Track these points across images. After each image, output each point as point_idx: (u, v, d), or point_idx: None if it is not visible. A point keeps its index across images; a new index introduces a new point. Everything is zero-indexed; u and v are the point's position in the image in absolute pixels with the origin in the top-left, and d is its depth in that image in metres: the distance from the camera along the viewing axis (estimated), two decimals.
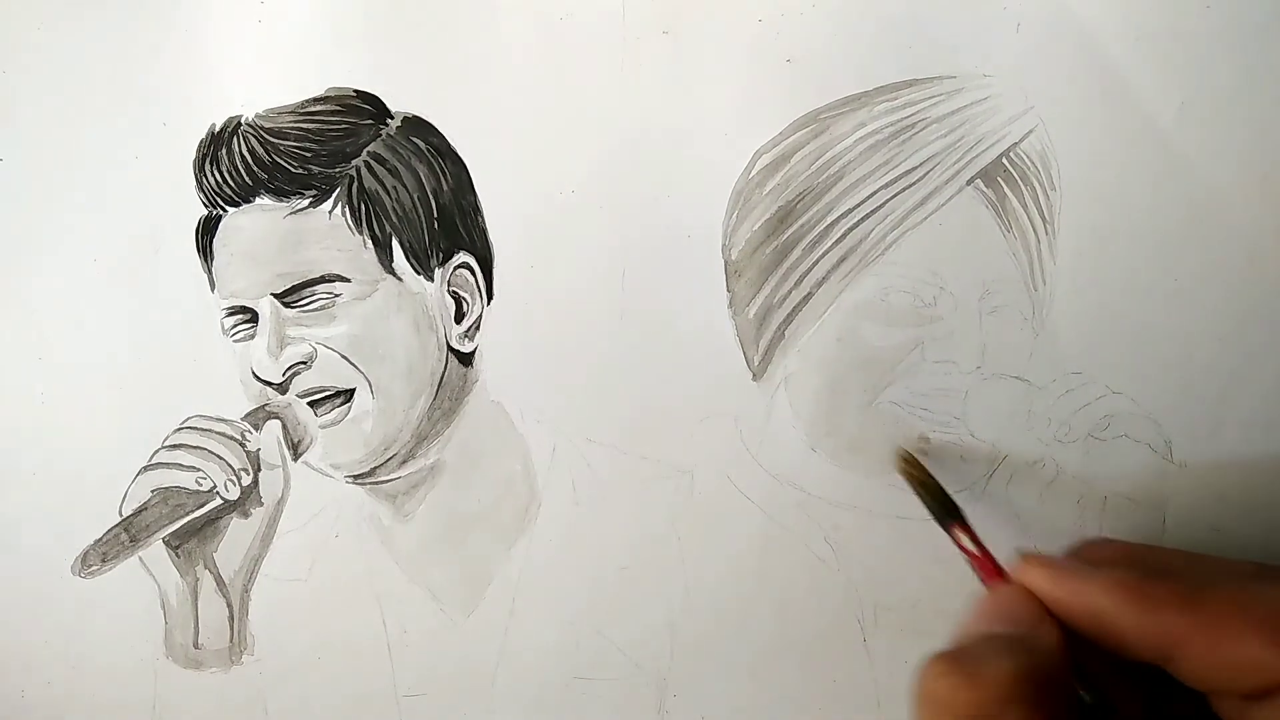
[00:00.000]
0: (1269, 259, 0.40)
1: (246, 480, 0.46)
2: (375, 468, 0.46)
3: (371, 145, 0.45)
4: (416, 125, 0.44)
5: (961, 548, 0.37)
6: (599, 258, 0.44)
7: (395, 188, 0.45)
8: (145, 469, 0.46)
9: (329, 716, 0.47)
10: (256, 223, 0.45)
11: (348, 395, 0.45)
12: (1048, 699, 0.29)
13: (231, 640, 0.47)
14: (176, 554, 0.47)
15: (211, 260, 0.46)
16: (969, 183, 0.42)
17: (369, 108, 0.44)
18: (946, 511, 0.38)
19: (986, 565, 0.36)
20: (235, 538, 0.47)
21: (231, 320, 0.46)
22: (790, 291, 0.43)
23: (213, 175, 0.45)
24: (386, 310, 0.45)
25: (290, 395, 0.46)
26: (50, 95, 0.46)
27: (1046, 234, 0.41)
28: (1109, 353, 0.41)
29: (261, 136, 0.45)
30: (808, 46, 0.42)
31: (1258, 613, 0.30)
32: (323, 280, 0.45)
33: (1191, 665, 0.30)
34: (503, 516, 0.46)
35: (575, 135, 0.44)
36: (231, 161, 0.45)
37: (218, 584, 0.47)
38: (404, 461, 0.46)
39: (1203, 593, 0.31)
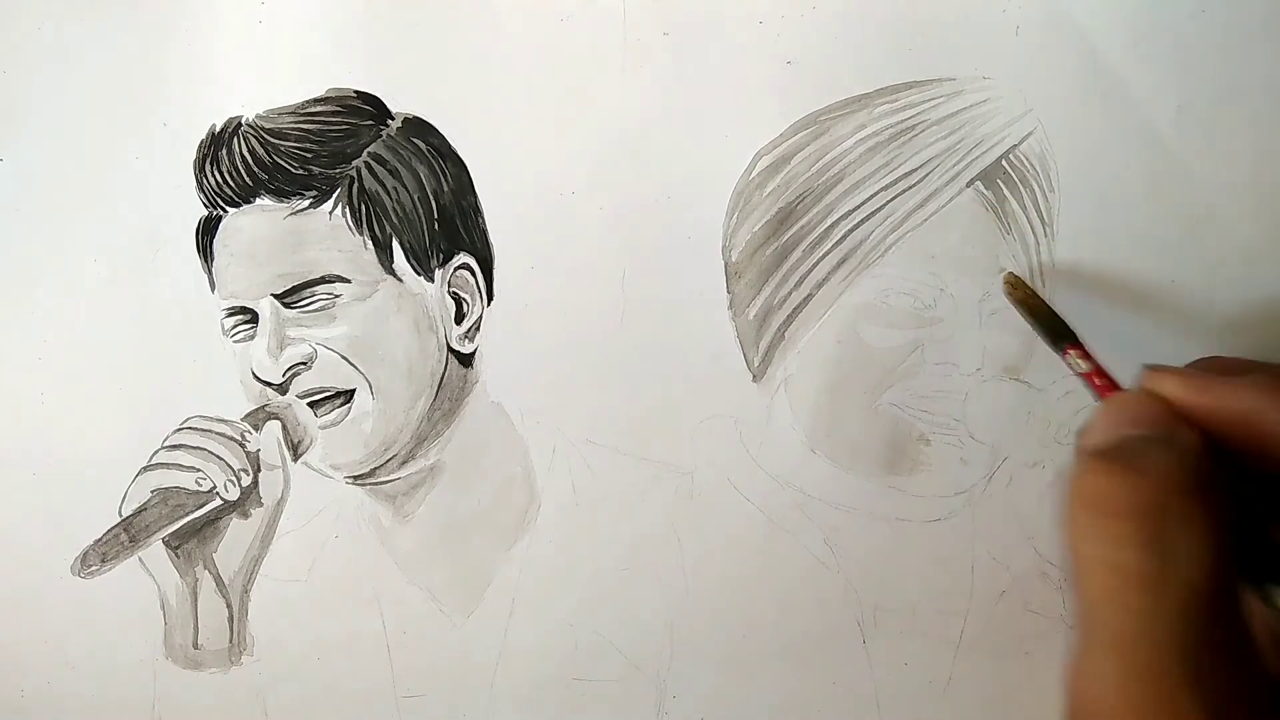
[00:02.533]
0: (1266, 260, 0.40)
1: (246, 481, 0.46)
2: (375, 468, 0.46)
3: (372, 146, 0.45)
4: (417, 126, 0.44)
5: (1077, 371, 0.36)
6: (599, 259, 0.44)
7: (396, 188, 0.45)
8: (145, 469, 0.46)
9: (328, 717, 0.47)
10: (257, 223, 0.45)
11: (348, 396, 0.45)
12: (1213, 490, 0.27)
13: (231, 641, 0.47)
14: (176, 554, 0.47)
15: (212, 261, 0.46)
16: (969, 185, 0.42)
17: (369, 108, 0.44)
18: (1057, 333, 0.37)
19: (1106, 385, 0.35)
20: (235, 538, 0.47)
21: (232, 321, 0.46)
22: (790, 293, 0.43)
23: (213, 176, 0.45)
24: (387, 311, 0.45)
25: (290, 396, 0.46)
26: (51, 95, 0.46)
27: (1045, 236, 0.42)
28: (1108, 354, 0.41)
29: (262, 137, 0.45)
30: (808, 48, 0.42)
31: None
32: (323, 281, 0.45)
33: None
34: (502, 517, 0.46)
35: (576, 136, 0.44)
36: (232, 162, 0.45)
37: (217, 584, 0.47)
38: (404, 462, 0.46)
39: None
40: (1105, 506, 0.28)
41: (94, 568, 0.46)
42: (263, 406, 0.46)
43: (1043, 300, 0.39)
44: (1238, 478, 0.30)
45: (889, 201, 0.42)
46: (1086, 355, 0.36)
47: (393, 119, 0.45)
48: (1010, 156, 0.41)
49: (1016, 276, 0.41)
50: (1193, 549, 0.26)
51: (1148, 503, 0.27)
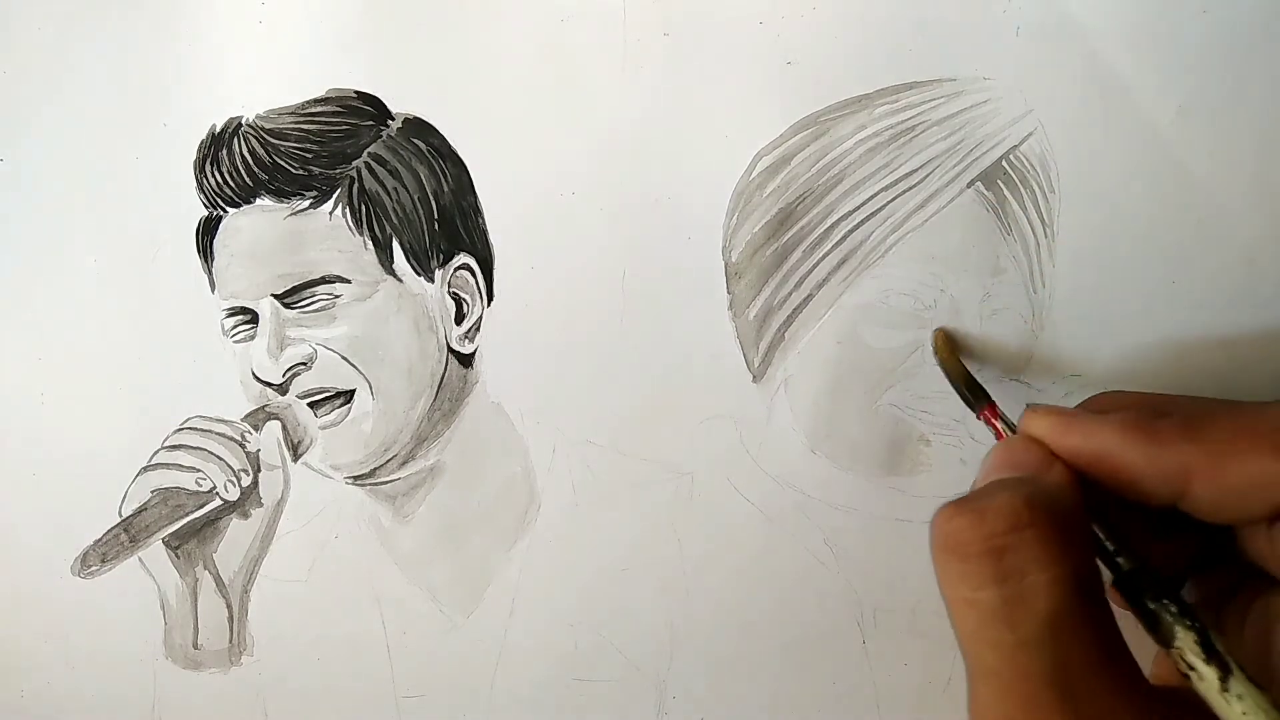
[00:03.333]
0: (1267, 261, 0.40)
1: (246, 481, 0.46)
2: (375, 469, 0.46)
3: (372, 146, 0.45)
4: (417, 126, 0.44)
5: (995, 429, 0.37)
6: (599, 259, 0.44)
7: (396, 189, 0.45)
8: (145, 469, 0.46)
9: (328, 717, 0.47)
10: (257, 224, 0.45)
11: (348, 396, 0.45)
12: (1057, 520, 0.29)
13: (231, 641, 0.47)
14: (176, 554, 0.47)
15: (212, 261, 0.46)
16: (969, 185, 0.42)
17: (370, 109, 0.44)
18: (975, 396, 0.38)
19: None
20: (235, 538, 0.47)
21: (231, 321, 0.46)
22: (790, 293, 0.43)
23: (213, 176, 0.45)
24: (387, 311, 0.45)
25: (290, 396, 0.46)
26: (51, 96, 0.46)
27: (1046, 237, 0.42)
28: (1108, 355, 0.41)
29: (262, 137, 0.45)
30: (808, 49, 0.42)
31: (1263, 428, 0.30)
32: (323, 281, 0.45)
33: (1205, 494, 0.30)
34: (502, 518, 0.46)
35: (576, 137, 0.44)
36: (232, 162, 0.45)
37: (217, 584, 0.47)
38: (404, 462, 0.46)
39: (1207, 420, 0.31)
40: (955, 549, 0.29)
41: (94, 568, 0.46)
42: (263, 407, 0.46)
43: (961, 364, 0.40)
44: (1119, 510, 0.32)
45: (889, 202, 0.42)
46: (1000, 417, 0.37)
47: (393, 119, 0.45)
48: (1011, 157, 0.41)
49: (945, 335, 0.42)
50: (1040, 576, 0.28)
51: (989, 542, 0.28)
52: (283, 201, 0.45)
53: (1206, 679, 0.28)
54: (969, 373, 0.39)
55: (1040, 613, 0.27)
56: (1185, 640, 0.29)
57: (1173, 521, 0.32)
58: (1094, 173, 0.41)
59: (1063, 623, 0.27)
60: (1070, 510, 0.30)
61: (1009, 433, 0.36)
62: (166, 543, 0.47)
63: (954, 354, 0.41)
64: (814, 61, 0.42)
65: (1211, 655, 0.28)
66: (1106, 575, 0.31)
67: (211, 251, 0.46)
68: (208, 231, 0.46)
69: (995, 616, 0.28)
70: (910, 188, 0.42)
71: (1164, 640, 0.29)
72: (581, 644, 0.46)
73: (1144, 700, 0.28)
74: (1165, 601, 0.29)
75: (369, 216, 0.45)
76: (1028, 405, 0.34)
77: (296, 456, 0.46)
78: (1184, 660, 0.29)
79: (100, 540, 0.46)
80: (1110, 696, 0.27)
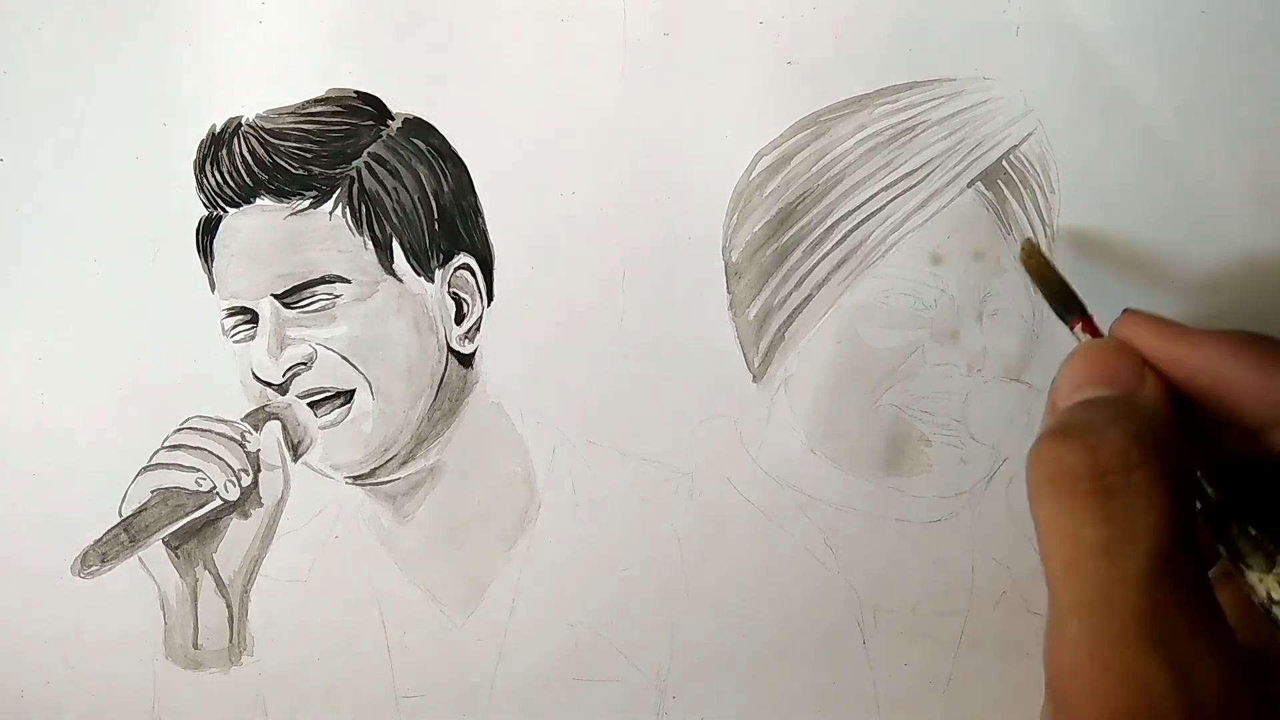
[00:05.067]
0: (1266, 261, 0.40)
1: (246, 481, 0.46)
2: (375, 469, 0.46)
3: (372, 146, 0.45)
4: (417, 126, 0.44)
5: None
6: (599, 259, 0.44)
7: (396, 189, 0.45)
8: (145, 469, 0.46)
9: (328, 717, 0.47)
10: (257, 223, 0.45)
11: (348, 396, 0.45)
12: (1168, 460, 0.28)
13: (231, 641, 0.47)
14: (176, 554, 0.47)
15: (212, 261, 0.46)
16: (969, 185, 0.42)
17: (370, 109, 0.44)
18: (1067, 305, 0.37)
19: None
20: (235, 538, 0.47)
21: (231, 321, 0.46)
22: (791, 293, 0.43)
23: (213, 176, 0.45)
24: (387, 311, 0.45)
25: (290, 396, 0.46)
26: (51, 95, 0.46)
27: (1046, 236, 0.42)
28: None
29: (262, 137, 0.45)
30: (809, 49, 0.42)
31: None
32: (323, 281, 0.45)
33: None
34: (502, 518, 0.46)
35: (576, 137, 0.44)
36: (232, 162, 0.45)
37: (217, 585, 0.47)
38: (404, 462, 0.46)
39: None
40: (1062, 480, 0.29)
41: (94, 568, 0.46)
42: (263, 407, 0.46)
43: (1056, 271, 0.39)
44: (1206, 431, 0.32)
45: (889, 202, 0.42)
46: (1095, 330, 0.36)
47: (393, 119, 0.45)
48: (1010, 157, 0.41)
49: (1033, 244, 0.40)
50: (1147, 518, 0.28)
51: (1101, 476, 0.28)
52: (283, 201, 0.45)
53: None
54: (1064, 280, 0.38)
55: (1146, 551, 0.27)
56: (1255, 581, 0.29)
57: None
58: (1093, 172, 0.41)
59: (1164, 564, 0.27)
60: (1175, 443, 0.30)
61: None
62: (166, 543, 0.46)
63: (1046, 261, 0.39)
64: (814, 61, 0.42)
65: None
66: None
67: (211, 251, 0.46)
68: (208, 231, 0.46)
69: (1100, 552, 0.28)
70: (910, 187, 0.42)
71: (1249, 569, 0.29)
72: (581, 644, 0.46)
73: (1230, 651, 0.28)
74: (1253, 531, 0.29)
75: (369, 216, 0.45)
76: (1125, 310, 0.33)
77: (296, 456, 0.46)
78: (1268, 594, 0.29)
79: (100, 540, 0.46)
80: (1201, 639, 0.27)
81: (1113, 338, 0.33)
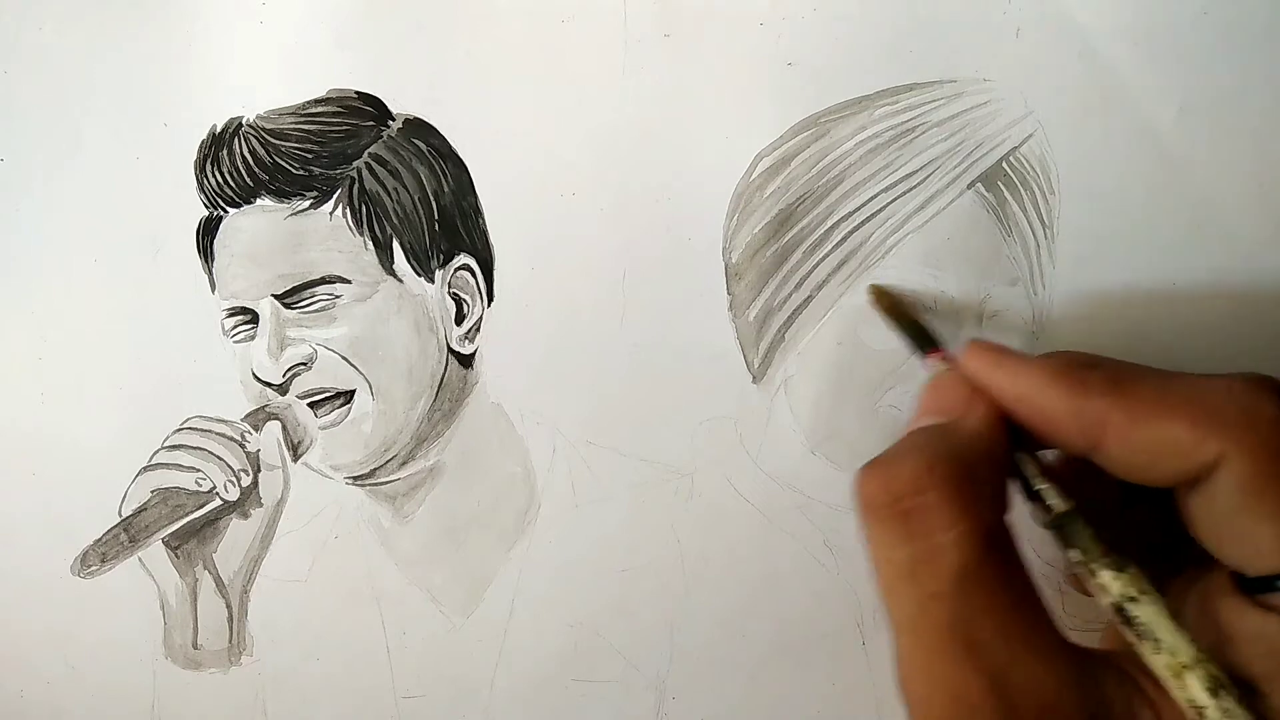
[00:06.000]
0: (1268, 263, 0.40)
1: (246, 481, 0.46)
2: (375, 469, 0.46)
3: (373, 147, 0.45)
4: (418, 127, 0.44)
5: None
6: (599, 260, 0.44)
7: (396, 189, 0.45)
8: (145, 469, 0.46)
9: (328, 717, 0.47)
10: (257, 224, 0.45)
11: (348, 396, 0.45)
12: (964, 480, 0.30)
13: (230, 641, 0.47)
14: (176, 554, 0.47)
15: (212, 261, 0.46)
16: (969, 187, 0.42)
17: (370, 109, 0.44)
18: (918, 341, 0.38)
19: None
20: (235, 538, 0.47)
21: (232, 321, 0.46)
22: (790, 294, 0.43)
23: (214, 176, 0.45)
24: (387, 312, 0.45)
25: (290, 396, 0.46)
26: (51, 95, 0.46)
27: (1046, 238, 0.42)
28: (1108, 356, 0.41)
29: (262, 137, 0.45)
30: (809, 50, 0.42)
31: (1181, 395, 0.31)
32: (323, 281, 0.45)
33: (1117, 450, 0.31)
34: (502, 518, 0.46)
35: (576, 138, 0.44)
36: (232, 162, 0.45)
37: (217, 584, 0.47)
38: (404, 463, 0.46)
39: (1130, 379, 0.32)
40: (867, 506, 0.31)
41: (94, 568, 0.46)
42: (263, 407, 0.46)
43: (905, 308, 0.40)
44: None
45: (889, 203, 0.42)
46: (949, 360, 0.37)
47: (393, 120, 0.45)
48: (1011, 158, 0.41)
49: (879, 287, 0.41)
50: (944, 537, 0.29)
51: (897, 501, 0.30)
52: (283, 202, 0.45)
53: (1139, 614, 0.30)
54: (913, 316, 0.40)
55: (947, 568, 0.29)
56: (1108, 579, 0.30)
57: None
58: (1094, 174, 0.41)
59: (969, 576, 0.29)
60: (982, 461, 0.31)
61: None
62: (166, 543, 0.47)
63: (894, 299, 0.41)
64: (814, 62, 0.42)
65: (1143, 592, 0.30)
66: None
67: (212, 251, 0.46)
68: (208, 231, 0.46)
69: (907, 573, 0.30)
70: (910, 189, 0.42)
71: (1100, 570, 0.31)
72: (581, 644, 0.46)
73: (1056, 652, 0.29)
74: (1090, 540, 0.31)
75: (369, 217, 0.45)
76: (970, 340, 0.34)
77: (296, 457, 0.46)
78: (1110, 602, 0.30)
79: (100, 540, 0.46)
80: (1016, 646, 0.29)
81: (950, 369, 0.35)
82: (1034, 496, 0.33)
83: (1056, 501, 0.32)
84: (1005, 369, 0.33)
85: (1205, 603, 0.31)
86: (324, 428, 0.46)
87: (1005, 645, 0.29)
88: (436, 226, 0.45)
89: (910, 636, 0.30)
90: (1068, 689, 0.29)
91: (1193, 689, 0.29)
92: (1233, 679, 0.29)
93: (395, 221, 0.45)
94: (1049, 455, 0.34)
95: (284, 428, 0.46)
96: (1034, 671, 0.28)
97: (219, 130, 0.45)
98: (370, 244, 0.45)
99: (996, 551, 0.30)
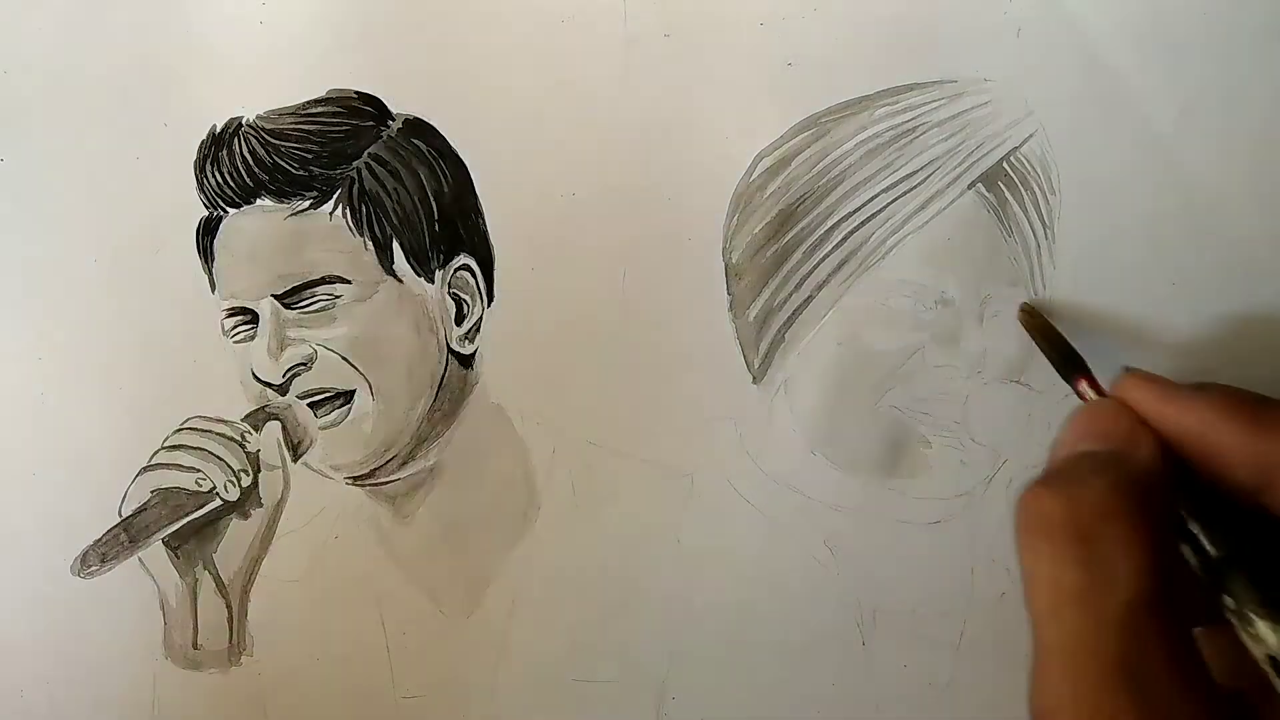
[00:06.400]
0: (1268, 263, 0.40)
1: (246, 481, 0.46)
2: (375, 469, 0.46)
3: (372, 147, 0.45)
4: (417, 127, 0.44)
5: (1085, 400, 0.37)
6: (599, 260, 0.44)
7: (396, 189, 0.45)
8: (145, 469, 0.46)
9: (328, 717, 0.47)
10: (257, 224, 0.45)
11: (348, 397, 0.45)
12: (1147, 511, 0.29)
13: (230, 641, 0.47)
14: (176, 555, 0.47)
15: (212, 261, 0.46)
16: (970, 187, 0.42)
17: (370, 109, 0.44)
18: (1069, 366, 0.38)
19: None
20: (235, 539, 0.47)
21: (232, 321, 0.46)
22: (791, 295, 0.43)
23: (213, 176, 0.45)
24: (387, 312, 0.45)
25: (290, 396, 0.46)
26: (51, 95, 0.46)
27: (1046, 238, 0.42)
28: (1109, 357, 0.41)
29: (262, 137, 0.45)
30: (809, 50, 0.42)
31: None
32: (323, 281, 0.45)
33: None
34: (502, 519, 0.46)
35: (576, 138, 0.44)
36: (232, 162, 0.45)
37: (217, 585, 0.47)
38: (404, 463, 0.46)
39: None
40: (1044, 527, 0.30)
41: (94, 568, 0.46)
42: (263, 407, 0.46)
43: (1058, 331, 0.39)
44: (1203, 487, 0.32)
45: (890, 204, 0.42)
46: (1096, 387, 0.36)
47: (393, 120, 0.45)
48: (1011, 159, 0.41)
49: (1032, 305, 0.41)
50: (1124, 568, 0.28)
51: (1080, 525, 0.29)
52: (283, 202, 0.45)
53: None
54: (1065, 340, 0.39)
55: (1122, 598, 0.28)
56: (1264, 630, 0.29)
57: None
58: (1095, 174, 0.41)
59: (1142, 611, 0.28)
60: (1158, 494, 0.31)
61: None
62: (166, 543, 0.46)
63: (1048, 322, 0.40)
64: (814, 62, 0.42)
65: None
66: None
67: (212, 252, 0.46)
68: (208, 232, 0.46)
69: (1078, 598, 0.28)
70: (911, 189, 0.42)
71: (1258, 620, 0.29)
72: (581, 644, 0.46)
73: (1209, 696, 0.28)
74: (1260, 584, 0.30)
75: (369, 217, 0.45)
76: (1125, 368, 0.34)
77: (296, 457, 0.46)
78: (1265, 654, 0.29)
79: (100, 540, 0.46)
80: (1179, 685, 0.28)
81: (1111, 397, 0.34)
82: (1189, 537, 0.32)
83: (1214, 545, 0.31)
84: (1174, 402, 0.32)
85: None
86: (324, 428, 0.46)
87: (1169, 683, 0.28)
88: (436, 226, 0.45)
89: (1067, 663, 0.28)
90: None
91: None
92: None
93: (395, 221, 0.45)
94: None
95: (284, 428, 0.45)
96: (1195, 710, 0.27)
97: (219, 130, 0.45)
98: (370, 244, 0.45)
99: (1169, 586, 0.29)
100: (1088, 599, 0.28)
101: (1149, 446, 0.32)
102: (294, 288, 0.45)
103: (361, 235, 0.45)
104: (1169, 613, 0.29)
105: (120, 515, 0.46)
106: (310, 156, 0.44)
